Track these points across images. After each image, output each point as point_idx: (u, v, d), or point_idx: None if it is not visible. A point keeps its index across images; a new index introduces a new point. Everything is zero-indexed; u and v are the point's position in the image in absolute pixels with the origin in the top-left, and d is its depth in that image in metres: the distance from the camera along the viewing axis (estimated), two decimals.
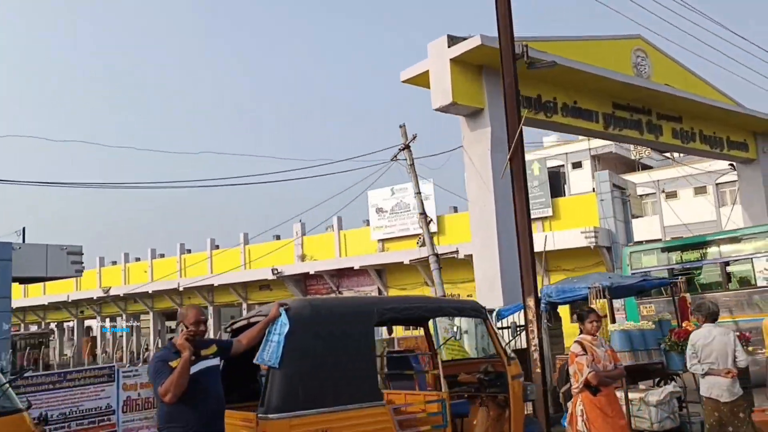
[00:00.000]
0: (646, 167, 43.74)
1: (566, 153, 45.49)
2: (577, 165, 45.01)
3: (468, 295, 35.76)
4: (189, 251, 47.48)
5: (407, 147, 16.26)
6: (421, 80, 14.28)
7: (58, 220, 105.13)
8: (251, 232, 42.47)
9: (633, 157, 43.65)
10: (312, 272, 37.55)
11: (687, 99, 17.91)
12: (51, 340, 50.52)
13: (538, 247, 28.53)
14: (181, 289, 41.81)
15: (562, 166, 41.31)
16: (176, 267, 45.62)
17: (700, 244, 14.52)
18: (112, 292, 44.59)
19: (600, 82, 15.67)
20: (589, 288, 9.85)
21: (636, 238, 29.33)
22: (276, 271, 37.75)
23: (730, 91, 20.10)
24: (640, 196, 38.00)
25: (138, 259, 50.00)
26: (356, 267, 36.14)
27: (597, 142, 38.46)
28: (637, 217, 35.08)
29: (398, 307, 6.22)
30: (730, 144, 20.59)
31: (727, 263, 13.77)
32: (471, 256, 32.95)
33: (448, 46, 13.31)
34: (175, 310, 46.68)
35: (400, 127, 16.35)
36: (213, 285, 40.88)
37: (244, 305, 42.90)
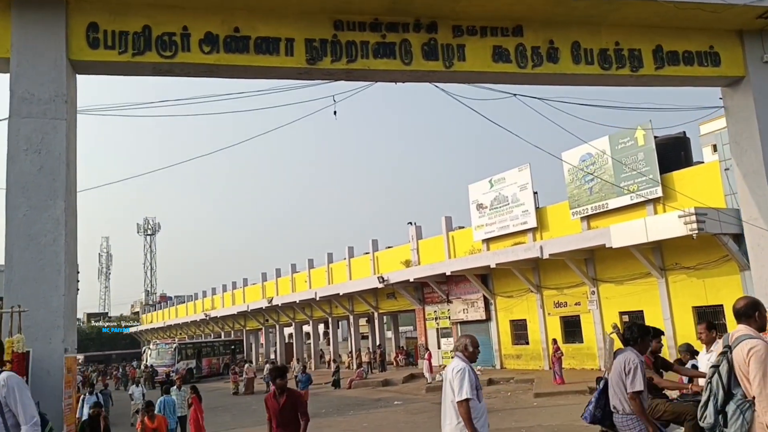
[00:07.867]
0: None
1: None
2: None
3: (576, 303, 28.19)
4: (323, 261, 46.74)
5: None
6: None
7: None
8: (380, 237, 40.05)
9: None
10: (411, 279, 33.55)
11: None
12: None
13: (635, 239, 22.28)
14: (317, 298, 41.20)
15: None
16: (325, 277, 45.34)
17: None
18: (274, 302, 46.16)
19: None
20: None
21: None
22: (382, 279, 34.68)
23: None
24: None
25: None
26: (448, 273, 31.24)
27: None
28: None
29: None
30: (672, 58, 12.00)
31: None
32: (558, 254, 26.08)
33: None
34: (322, 319, 46.54)
35: None
36: (352, 294, 39.43)
37: (376, 314, 40.56)
